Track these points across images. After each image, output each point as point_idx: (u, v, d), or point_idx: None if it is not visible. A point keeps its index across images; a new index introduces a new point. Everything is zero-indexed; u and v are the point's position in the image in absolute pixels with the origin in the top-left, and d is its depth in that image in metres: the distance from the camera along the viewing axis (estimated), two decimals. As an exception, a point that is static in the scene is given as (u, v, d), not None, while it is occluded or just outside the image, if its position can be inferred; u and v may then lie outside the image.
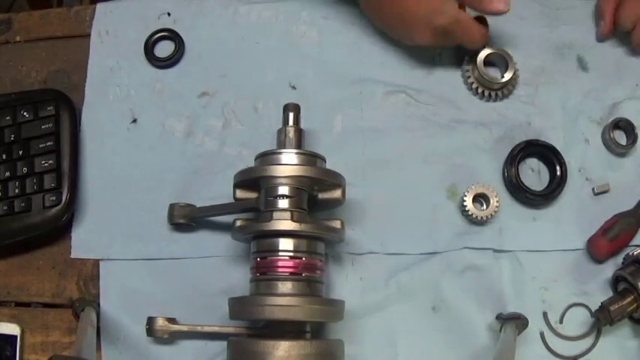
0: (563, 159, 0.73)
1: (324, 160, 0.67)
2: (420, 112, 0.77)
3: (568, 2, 0.80)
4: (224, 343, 0.65)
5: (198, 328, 0.69)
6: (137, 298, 0.72)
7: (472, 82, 0.76)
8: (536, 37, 0.79)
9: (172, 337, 0.70)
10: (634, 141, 0.75)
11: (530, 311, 0.69)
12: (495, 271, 0.72)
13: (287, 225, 0.61)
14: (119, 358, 0.71)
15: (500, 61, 0.76)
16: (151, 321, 0.69)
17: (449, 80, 0.78)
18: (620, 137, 0.76)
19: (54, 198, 0.71)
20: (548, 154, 0.74)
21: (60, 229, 0.73)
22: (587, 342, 0.71)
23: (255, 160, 0.67)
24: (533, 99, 0.77)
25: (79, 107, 0.77)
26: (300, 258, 0.63)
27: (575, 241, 0.73)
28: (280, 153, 0.65)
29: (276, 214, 0.62)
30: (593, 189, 0.74)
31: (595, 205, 0.74)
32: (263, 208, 0.64)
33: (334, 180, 0.66)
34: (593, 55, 0.79)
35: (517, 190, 0.73)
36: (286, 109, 0.69)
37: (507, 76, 0.75)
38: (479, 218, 0.71)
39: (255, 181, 0.65)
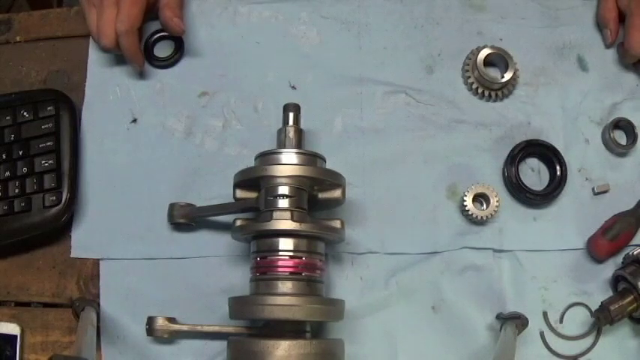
0: (563, 159, 0.73)
1: (324, 160, 0.67)
2: (420, 112, 0.77)
3: (568, 2, 0.80)
4: (224, 343, 0.65)
5: (198, 328, 0.69)
6: (137, 297, 0.72)
7: (472, 82, 0.76)
8: (536, 37, 0.79)
9: (172, 337, 0.70)
10: (634, 141, 0.75)
11: (530, 311, 0.69)
12: (495, 271, 0.72)
13: (287, 225, 0.61)
14: (119, 357, 0.71)
15: (500, 61, 0.76)
16: (150, 321, 0.69)
17: (449, 80, 0.78)
18: (620, 137, 0.76)
19: (54, 198, 0.71)
20: (548, 154, 0.74)
21: (60, 228, 0.73)
22: (587, 341, 0.71)
23: (255, 160, 0.67)
24: (533, 99, 0.77)
25: (79, 107, 0.77)
26: (300, 257, 0.63)
27: (575, 240, 0.73)
28: (280, 153, 0.65)
29: (276, 214, 0.62)
30: (593, 189, 0.74)
31: (595, 205, 0.74)
32: (263, 208, 0.64)
33: (334, 180, 0.66)
34: (593, 55, 0.79)
35: (517, 190, 0.73)
36: (286, 109, 0.69)
37: (507, 76, 0.75)
38: (479, 218, 0.71)
39: (255, 180, 0.65)
